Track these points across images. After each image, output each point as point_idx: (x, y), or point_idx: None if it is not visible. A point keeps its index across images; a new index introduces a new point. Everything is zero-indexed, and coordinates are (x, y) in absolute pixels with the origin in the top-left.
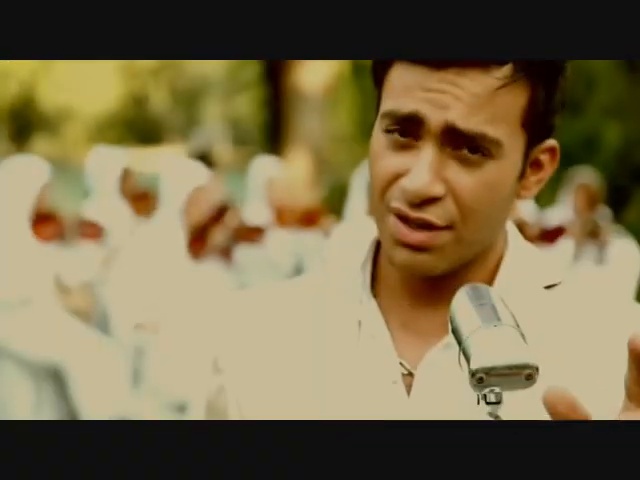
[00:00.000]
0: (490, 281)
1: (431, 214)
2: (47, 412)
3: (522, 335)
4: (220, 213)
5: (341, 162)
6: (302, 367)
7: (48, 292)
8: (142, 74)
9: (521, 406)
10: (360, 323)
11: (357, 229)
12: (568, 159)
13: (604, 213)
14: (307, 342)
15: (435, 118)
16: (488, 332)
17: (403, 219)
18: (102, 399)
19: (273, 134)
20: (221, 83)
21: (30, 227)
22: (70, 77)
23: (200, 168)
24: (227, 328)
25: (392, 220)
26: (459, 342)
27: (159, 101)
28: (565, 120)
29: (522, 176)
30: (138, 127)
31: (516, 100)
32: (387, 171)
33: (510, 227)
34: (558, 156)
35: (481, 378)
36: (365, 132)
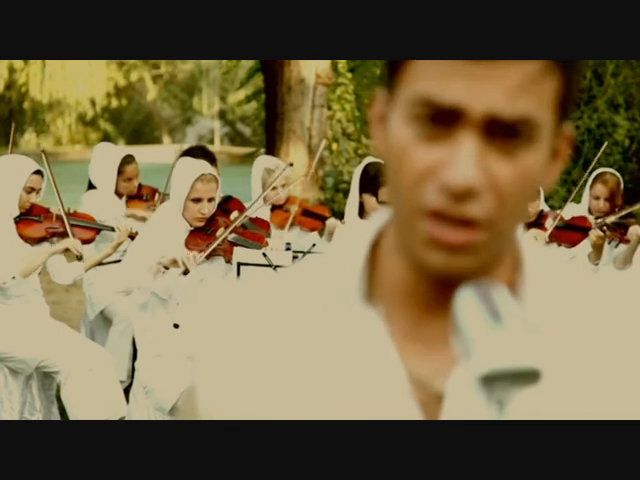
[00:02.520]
0: (512, 283)
1: (473, 210)
2: (37, 414)
3: (530, 333)
4: (222, 207)
5: (342, 160)
6: (302, 382)
7: (37, 293)
8: (135, 67)
9: (526, 405)
10: (361, 334)
11: (354, 231)
12: (578, 154)
13: (625, 211)
14: (305, 355)
15: (477, 108)
16: (494, 335)
17: (441, 218)
18: (93, 401)
19: (270, 130)
20: (216, 77)
21: (20, 225)
22: (61, 70)
23: (204, 163)
24: (214, 334)
25: (427, 221)
26: (464, 344)
27: (152, 95)
28: (575, 114)
29: (547, 163)
30: (130, 121)
31: (552, 83)
32: (420, 165)
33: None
34: (573, 144)
35: (487, 379)
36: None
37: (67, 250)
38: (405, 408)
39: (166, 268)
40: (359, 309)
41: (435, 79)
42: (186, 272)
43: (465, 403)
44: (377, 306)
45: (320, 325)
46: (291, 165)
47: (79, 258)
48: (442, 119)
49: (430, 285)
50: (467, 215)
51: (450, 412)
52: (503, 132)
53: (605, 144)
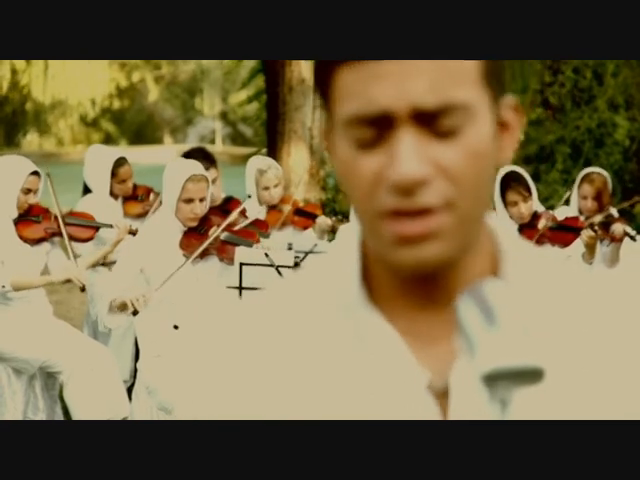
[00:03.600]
0: (493, 274)
1: (426, 199)
2: (40, 414)
3: (532, 336)
4: (222, 208)
5: None
6: (315, 387)
7: (38, 293)
8: (137, 68)
9: (528, 405)
10: (366, 336)
11: (351, 234)
12: (578, 153)
13: (615, 212)
14: (317, 360)
15: (401, 106)
16: (496, 335)
17: (399, 214)
18: (96, 401)
19: (272, 130)
20: (217, 78)
21: (19, 226)
22: (63, 71)
23: (201, 164)
24: (229, 342)
25: (388, 221)
26: (465, 341)
27: (153, 96)
28: (575, 114)
29: (495, 137)
30: (132, 122)
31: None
32: (368, 174)
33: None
34: (523, 112)
35: (490, 379)
36: None
37: (69, 281)
38: (422, 404)
39: (121, 309)
40: (361, 311)
41: (357, 95)
42: (135, 313)
43: (470, 395)
44: (378, 306)
45: (328, 330)
46: (249, 197)
47: (82, 289)
48: (376, 126)
49: (415, 283)
50: (422, 205)
51: (457, 406)
52: (434, 119)
53: (576, 180)
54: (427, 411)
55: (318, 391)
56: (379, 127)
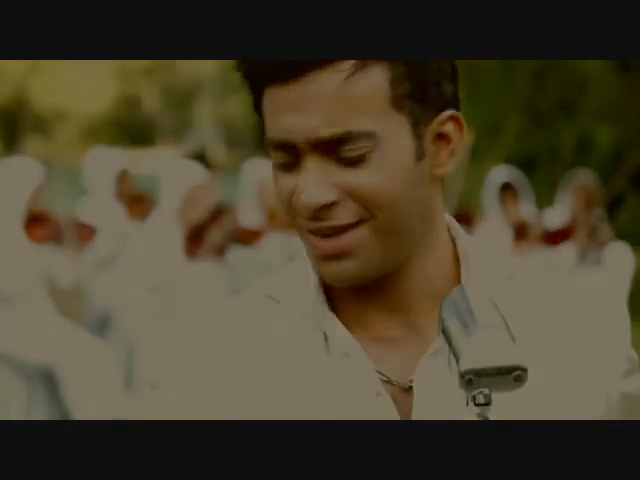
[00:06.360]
0: (450, 275)
1: (337, 218)
2: (39, 413)
3: (511, 336)
4: (217, 214)
5: None
6: (276, 392)
7: (40, 293)
8: (135, 75)
9: (511, 407)
10: (327, 340)
11: None
12: (561, 161)
13: (601, 215)
14: (276, 365)
15: (302, 137)
16: (477, 334)
17: (316, 233)
18: (95, 400)
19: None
20: (214, 84)
21: (23, 228)
22: (63, 78)
23: (198, 169)
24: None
25: (309, 237)
26: (448, 344)
27: (152, 102)
28: (557, 122)
29: (423, 155)
30: (131, 128)
31: (373, 85)
32: (284, 192)
33: (449, 219)
34: (463, 123)
35: (470, 380)
36: None
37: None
38: (381, 405)
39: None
40: (320, 316)
41: (269, 121)
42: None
43: (434, 393)
44: (337, 312)
45: (290, 333)
46: None
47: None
48: (288, 152)
49: (370, 290)
50: (333, 225)
51: (421, 404)
52: (336, 147)
53: (565, 184)
54: (386, 411)
55: (278, 391)
56: (290, 153)
